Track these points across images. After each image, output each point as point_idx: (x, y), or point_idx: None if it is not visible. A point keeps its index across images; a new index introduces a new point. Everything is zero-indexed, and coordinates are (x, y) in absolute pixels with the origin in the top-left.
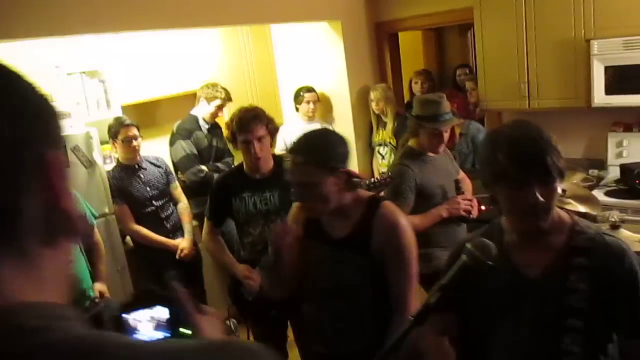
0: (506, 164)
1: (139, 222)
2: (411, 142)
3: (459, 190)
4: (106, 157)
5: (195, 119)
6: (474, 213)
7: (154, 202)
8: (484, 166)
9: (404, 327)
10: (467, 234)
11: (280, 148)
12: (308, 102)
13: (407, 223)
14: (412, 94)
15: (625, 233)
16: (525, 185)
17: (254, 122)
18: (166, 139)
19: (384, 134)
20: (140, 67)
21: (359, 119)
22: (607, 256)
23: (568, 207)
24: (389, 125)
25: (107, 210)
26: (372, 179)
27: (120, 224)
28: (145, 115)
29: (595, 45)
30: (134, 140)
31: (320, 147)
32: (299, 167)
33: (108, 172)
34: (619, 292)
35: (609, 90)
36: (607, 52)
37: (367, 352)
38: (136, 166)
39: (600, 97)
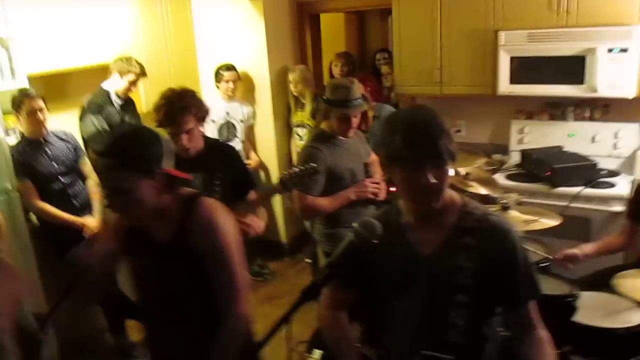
0: (401, 147)
1: (45, 199)
2: (323, 125)
3: (368, 174)
4: (10, 130)
5: (107, 94)
6: (382, 195)
7: (61, 178)
8: (381, 149)
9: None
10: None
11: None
12: (227, 82)
13: (226, 220)
14: (332, 76)
15: (513, 214)
16: (419, 168)
17: (181, 114)
18: (76, 113)
19: (302, 116)
20: (50, 36)
21: (278, 99)
22: (492, 236)
23: (471, 189)
24: (307, 107)
25: (9, 187)
26: (288, 171)
27: (24, 201)
28: (54, 87)
29: (502, 36)
30: (39, 113)
31: (132, 148)
32: (109, 171)
33: (12, 146)
34: (501, 268)
35: (513, 80)
36: (512, 43)
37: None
38: (42, 140)
39: (505, 85)
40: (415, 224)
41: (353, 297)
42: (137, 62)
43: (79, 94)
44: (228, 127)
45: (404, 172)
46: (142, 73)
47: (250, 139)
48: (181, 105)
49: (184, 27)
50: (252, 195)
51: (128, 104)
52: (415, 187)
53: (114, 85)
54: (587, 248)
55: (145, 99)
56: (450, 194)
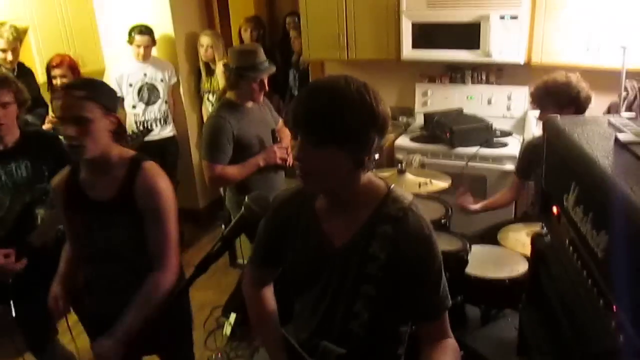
0: (294, 114)
1: None
2: (229, 95)
3: (275, 140)
4: None
5: None
6: (290, 161)
7: None
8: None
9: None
10: (284, 181)
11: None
12: (139, 46)
13: (166, 185)
14: (241, 41)
15: (408, 177)
16: (296, 138)
17: (0, 85)
18: None
19: (212, 82)
20: None
21: (186, 65)
22: (409, 235)
23: None
24: (218, 73)
25: None
26: (132, 131)
27: None
28: None
29: (403, 2)
30: None
31: (101, 86)
32: (75, 100)
33: None
34: (412, 273)
35: (415, 45)
36: (413, 9)
37: None
38: None
39: (407, 51)
40: (330, 210)
41: (273, 274)
42: (11, 27)
43: None
44: (148, 89)
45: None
46: (16, 38)
47: (174, 98)
48: (1, 78)
49: None
50: None
51: (24, 74)
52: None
53: None
54: (478, 205)
55: (40, 67)
56: (370, 181)
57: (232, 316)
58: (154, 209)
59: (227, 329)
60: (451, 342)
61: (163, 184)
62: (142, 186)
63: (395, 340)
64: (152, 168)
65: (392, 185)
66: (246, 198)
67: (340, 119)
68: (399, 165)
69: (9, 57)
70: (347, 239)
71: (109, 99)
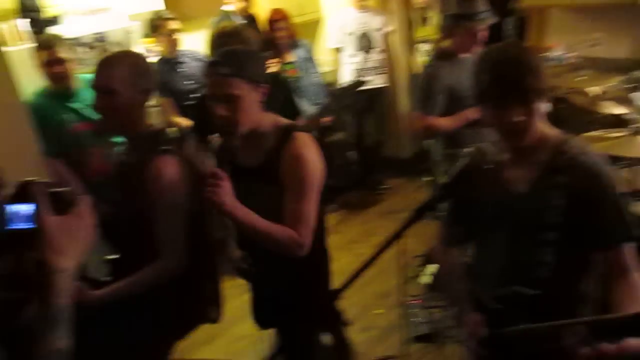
0: (488, 86)
1: (182, 115)
2: (444, 43)
3: None
4: (150, 51)
5: (227, 15)
6: None
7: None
8: (473, 85)
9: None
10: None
11: (336, 41)
12: None
13: (315, 157)
14: None
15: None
16: (505, 106)
17: None
18: (199, 34)
19: (427, 30)
20: None
21: (400, 13)
22: (583, 176)
23: (602, 109)
24: (434, 22)
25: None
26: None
27: (163, 115)
28: (185, 7)
29: None
30: (173, 34)
31: (247, 59)
32: (223, 79)
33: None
34: (592, 208)
35: None
36: None
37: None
38: (177, 60)
39: None
40: (510, 161)
41: (461, 234)
42: None
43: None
44: (366, 37)
45: (492, 110)
46: None
47: (387, 47)
48: None
49: None
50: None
51: (250, 22)
52: (502, 124)
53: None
54: None
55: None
56: (544, 131)
57: (430, 268)
58: (297, 178)
59: (424, 278)
60: (636, 278)
61: (311, 155)
62: (289, 154)
63: (581, 281)
64: (303, 138)
65: (565, 137)
66: (468, 149)
67: (538, 78)
68: (633, 125)
69: (243, 5)
70: (524, 188)
71: (256, 71)
